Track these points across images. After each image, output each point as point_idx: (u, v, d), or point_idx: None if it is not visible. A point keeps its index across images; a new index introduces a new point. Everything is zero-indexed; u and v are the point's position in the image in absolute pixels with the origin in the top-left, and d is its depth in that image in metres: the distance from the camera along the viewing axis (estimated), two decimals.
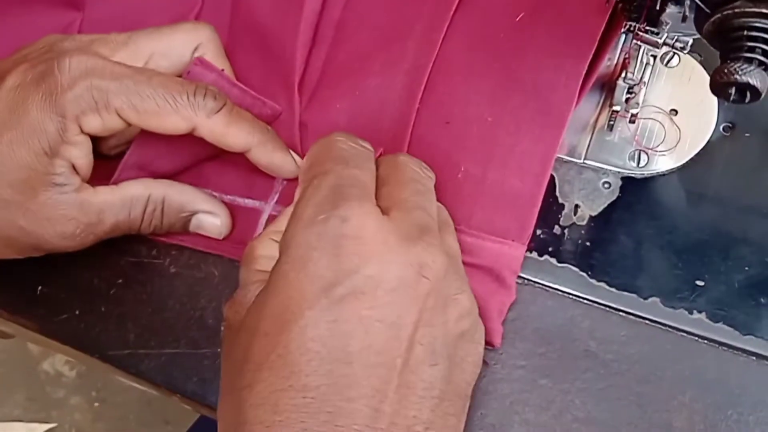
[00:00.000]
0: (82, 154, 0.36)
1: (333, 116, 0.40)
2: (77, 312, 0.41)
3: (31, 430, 1.21)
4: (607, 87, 0.41)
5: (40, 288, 0.42)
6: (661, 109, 0.40)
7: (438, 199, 0.37)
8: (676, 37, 0.34)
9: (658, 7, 0.29)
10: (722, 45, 0.26)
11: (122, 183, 0.38)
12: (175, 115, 0.35)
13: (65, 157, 0.35)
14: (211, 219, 0.40)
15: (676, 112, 0.40)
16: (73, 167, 0.36)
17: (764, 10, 0.24)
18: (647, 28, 0.32)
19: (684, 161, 0.39)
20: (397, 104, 0.39)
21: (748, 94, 0.25)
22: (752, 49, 0.25)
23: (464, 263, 0.36)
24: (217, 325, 0.40)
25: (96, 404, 1.23)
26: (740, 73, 0.25)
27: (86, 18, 0.44)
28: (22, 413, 1.23)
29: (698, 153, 0.39)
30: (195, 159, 0.41)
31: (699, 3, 0.27)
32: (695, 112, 0.40)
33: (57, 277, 0.42)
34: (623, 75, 0.39)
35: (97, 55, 0.35)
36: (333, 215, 0.29)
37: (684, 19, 0.29)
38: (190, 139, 0.37)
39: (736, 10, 0.25)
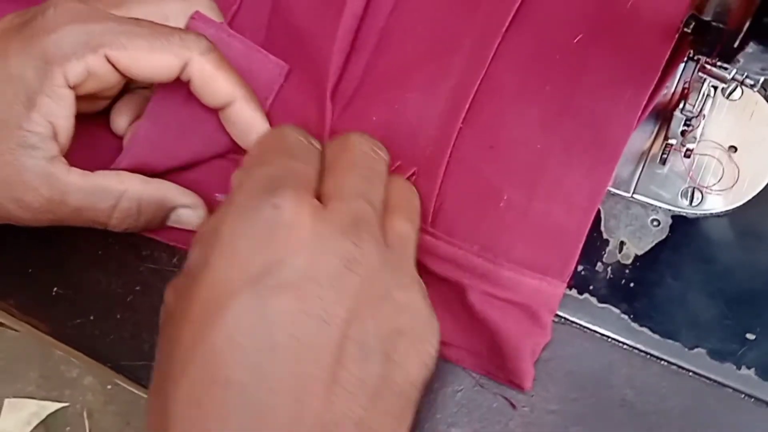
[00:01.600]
0: (62, 113, 0.33)
1: (368, 128, 0.38)
2: (92, 317, 0.40)
3: (42, 407, 1.21)
4: (663, 116, 0.39)
5: (55, 289, 0.40)
6: (720, 145, 0.38)
7: (476, 228, 0.36)
8: (746, 73, 0.31)
9: (736, 45, 0.26)
10: None
11: (100, 171, 0.35)
12: (167, 52, 0.33)
13: (43, 111, 0.32)
14: (189, 212, 0.38)
15: (736, 149, 0.38)
16: (52, 130, 0.33)
17: None
18: (718, 63, 0.30)
19: (741, 203, 0.37)
20: (437, 122, 0.37)
21: None
22: None
23: (500, 299, 0.35)
24: None
25: (109, 387, 1.22)
26: None
27: None
28: (35, 390, 1.23)
29: (756, 195, 0.37)
30: (194, 158, 0.39)
31: None
32: (756, 151, 0.37)
33: (73, 280, 0.40)
34: (681, 106, 0.37)
35: (86, 3, 0.34)
36: (265, 203, 0.28)
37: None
38: (190, 136, 0.36)
39: None
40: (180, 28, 0.35)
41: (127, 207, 0.36)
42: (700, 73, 0.33)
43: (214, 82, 0.35)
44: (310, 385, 0.27)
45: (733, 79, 0.32)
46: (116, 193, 0.35)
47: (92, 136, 0.39)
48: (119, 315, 0.39)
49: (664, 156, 0.38)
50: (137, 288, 0.40)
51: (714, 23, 0.27)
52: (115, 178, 0.35)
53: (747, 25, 0.24)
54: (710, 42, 0.28)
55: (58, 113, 0.33)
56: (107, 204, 0.35)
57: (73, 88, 0.33)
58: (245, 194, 0.29)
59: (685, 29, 0.28)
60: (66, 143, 0.34)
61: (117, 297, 0.40)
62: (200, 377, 0.27)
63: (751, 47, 0.26)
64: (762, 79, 0.31)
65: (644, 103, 0.34)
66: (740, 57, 0.27)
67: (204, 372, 0.27)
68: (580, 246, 0.35)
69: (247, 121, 0.37)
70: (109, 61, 0.33)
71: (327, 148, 0.33)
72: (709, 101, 0.37)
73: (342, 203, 0.29)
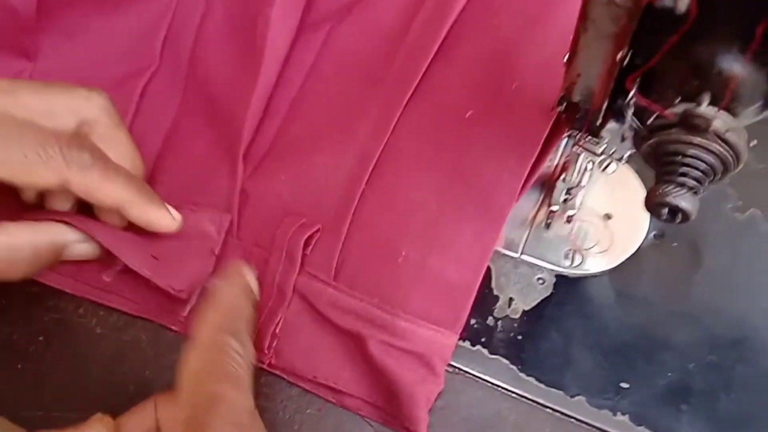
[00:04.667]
0: None
1: (276, 187, 0.41)
2: None
3: None
4: (547, 186, 0.43)
5: None
6: (597, 212, 0.42)
7: (376, 282, 0.38)
8: (614, 149, 0.36)
9: (599, 123, 0.30)
10: (657, 166, 0.28)
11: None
12: (45, 168, 0.33)
13: None
14: (83, 246, 0.38)
15: (610, 216, 0.42)
16: None
17: (697, 140, 0.26)
18: (588, 137, 0.34)
19: (615, 264, 0.41)
20: (343, 184, 0.40)
21: (679, 216, 0.27)
22: (685, 174, 0.26)
23: (397, 348, 0.37)
24: (138, 393, 0.38)
25: None
26: (672, 195, 0.26)
27: (37, 68, 0.44)
28: None
29: (629, 257, 0.41)
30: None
31: (637, 125, 0.28)
32: (628, 219, 0.42)
33: None
34: (563, 177, 0.41)
35: None
36: None
37: (623, 139, 0.30)
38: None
39: (672, 137, 0.26)
40: (65, 136, 0.34)
41: (21, 257, 0.35)
42: (574, 147, 0.37)
43: (97, 193, 0.35)
44: None
45: (602, 152, 0.36)
46: (8, 248, 0.35)
47: None
48: (20, 365, 0.39)
49: (549, 221, 0.41)
50: (40, 338, 0.40)
51: (582, 103, 0.30)
52: (4, 232, 0.35)
53: (606, 104, 0.28)
54: (580, 119, 0.32)
55: None
56: (2, 261, 0.35)
57: None
58: None
59: (558, 108, 0.32)
60: None
61: (19, 347, 0.40)
62: None
63: (610, 123, 0.30)
64: (627, 153, 0.35)
65: (527, 172, 0.38)
66: (604, 133, 0.31)
67: None
68: (471, 300, 0.38)
69: (140, 223, 0.37)
70: None
71: None
72: (588, 174, 0.41)
73: None
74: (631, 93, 0.27)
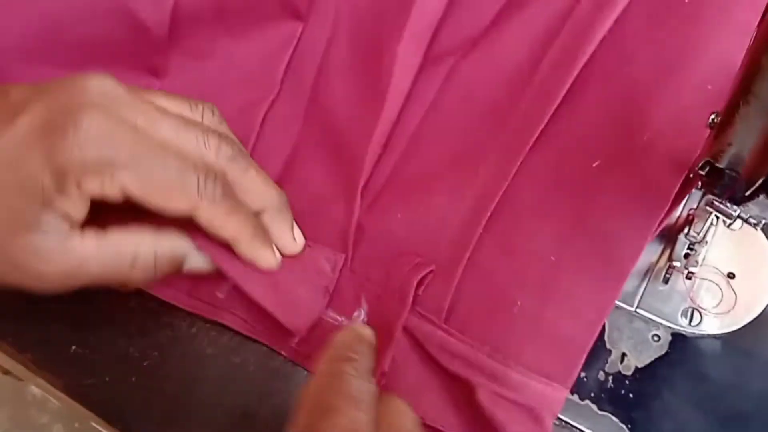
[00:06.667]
0: (77, 208, 0.33)
1: (392, 225, 0.41)
2: (107, 379, 0.41)
3: None
4: (668, 238, 0.41)
5: (73, 347, 0.41)
6: (719, 271, 0.40)
7: (489, 330, 0.37)
8: (750, 215, 0.34)
9: (748, 194, 0.29)
10: None
11: (112, 230, 0.35)
12: (180, 197, 0.34)
13: (58, 209, 0.32)
14: (200, 258, 0.38)
15: (734, 275, 0.40)
16: (67, 219, 0.33)
17: None
18: (727, 204, 0.32)
19: (737, 327, 0.39)
20: (459, 227, 0.39)
21: None
22: None
23: (507, 399, 0.36)
24: (244, 415, 0.39)
25: None
26: None
27: (164, 87, 0.45)
28: None
29: (752, 321, 0.39)
30: None
31: None
32: (753, 279, 0.40)
33: (92, 340, 0.42)
34: (686, 231, 0.39)
35: (118, 118, 0.33)
36: None
37: None
38: None
39: None
40: (203, 165, 0.35)
41: (143, 264, 0.36)
42: (707, 207, 0.36)
43: (220, 228, 0.36)
44: None
45: (738, 216, 0.34)
46: (131, 254, 0.36)
47: None
48: (134, 378, 0.40)
49: (667, 276, 0.40)
50: (155, 353, 0.41)
51: (728, 171, 0.29)
52: (128, 237, 0.36)
53: (762, 180, 0.27)
54: (722, 186, 0.31)
55: (73, 208, 0.33)
56: (125, 265, 0.36)
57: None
58: None
59: (700, 171, 0.30)
60: (79, 221, 0.34)
61: (134, 360, 0.41)
62: None
63: (762, 198, 0.28)
64: (764, 221, 0.34)
65: (654, 229, 0.37)
66: (750, 204, 0.30)
67: None
68: (585, 355, 0.37)
69: (248, 259, 0.38)
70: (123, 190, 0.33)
71: (381, 405, 0.32)
72: (712, 229, 0.39)
73: None
74: None
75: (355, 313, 0.39)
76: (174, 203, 0.34)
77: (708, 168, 0.30)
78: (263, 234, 0.38)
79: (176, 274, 0.39)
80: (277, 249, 0.39)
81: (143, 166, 0.33)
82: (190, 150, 0.35)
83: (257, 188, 0.37)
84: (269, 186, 0.38)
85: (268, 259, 0.38)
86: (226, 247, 0.38)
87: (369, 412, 0.31)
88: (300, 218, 0.41)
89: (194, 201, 0.34)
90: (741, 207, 0.32)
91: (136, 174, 0.33)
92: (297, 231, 0.40)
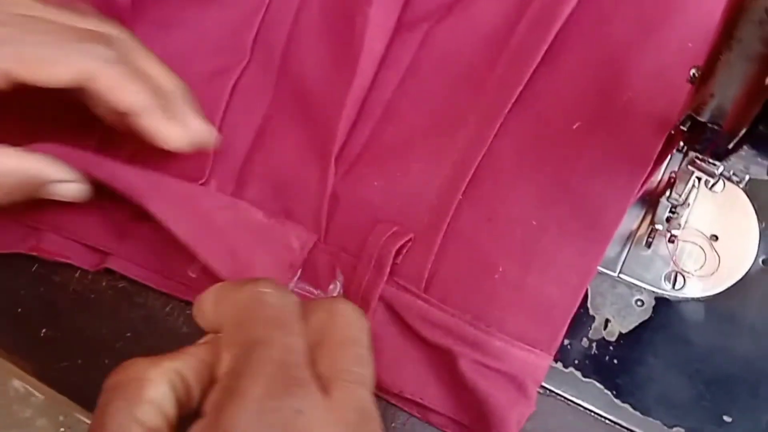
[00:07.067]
0: None
1: (368, 193, 0.40)
2: (79, 361, 0.39)
3: None
4: (649, 202, 0.40)
5: (44, 330, 0.40)
6: (702, 233, 0.40)
7: (470, 298, 0.37)
8: (733, 172, 0.33)
9: (730, 146, 0.28)
10: None
11: None
12: (69, 62, 0.32)
13: None
14: (68, 187, 0.37)
15: (717, 238, 0.39)
16: None
17: None
18: (708, 160, 0.32)
19: (720, 289, 0.39)
20: (438, 193, 0.38)
21: None
22: None
23: (489, 368, 0.35)
24: None
25: (62, 429, 1.19)
26: None
27: None
28: None
29: (735, 283, 0.39)
30: None
31: None
32: (736, 241, 0.39)
33: (63, 322, 0.40)
34: (668, 194, 0.38)
35: None
36: (286, 406, 0.26)
37: None
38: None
39: None
40: (84, 30, 0.34)
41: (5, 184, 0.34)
42: (689, 166, 0.35)
43: (120, 93, 0.34)
44: None
45: (721, 174, 0.33)
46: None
47: None
48: (107, 360, 0.39)
49: (650, 240, 0.39)
50: (128, 334, 0.40)
51: (710, 125, 0.28)
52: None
53: (744, 130, 0.26)
54: (704, 141, 0.30)
55: None
56: None
57: None
58: (260, 388, 0.26)
59: (682, 127, 0.30)
60: None
61: (106, 342, 0.40)
62: None
63: (744, 150, 0.28)
64: (747, 177, 0.33)
65: (637, 191, 0.36)
66: (732, 157, 0.29)
67: None
68: (568, 321, 0.36)
69: (149, 133, 0.36)
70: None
71: (309, 310, 0.30)
72: (694, 191, 0.38)
73: (346, 393, 0.27)
74: None
75: (331, 286, 0.38)
76: (62, 69, 0.32)
77: (689, 123, 0.29)
78: (170, 108, 0.36)
79: (35, 196, 0.36)
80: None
81: (17, 38, 0.32)
82: (80, 26, 0.34)
83: (158, 71, 0.36)
84: (170, 72, 0.37)
85: (174, 135, 0.36)
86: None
87: (299, 333, 0.28)
88: (273, 189, 0.40)
89: (85, 63, 0.32)
90: (723, 162, 0.31)
91: (14, 49, 0.32)
92: (205, 121, 0.38)
